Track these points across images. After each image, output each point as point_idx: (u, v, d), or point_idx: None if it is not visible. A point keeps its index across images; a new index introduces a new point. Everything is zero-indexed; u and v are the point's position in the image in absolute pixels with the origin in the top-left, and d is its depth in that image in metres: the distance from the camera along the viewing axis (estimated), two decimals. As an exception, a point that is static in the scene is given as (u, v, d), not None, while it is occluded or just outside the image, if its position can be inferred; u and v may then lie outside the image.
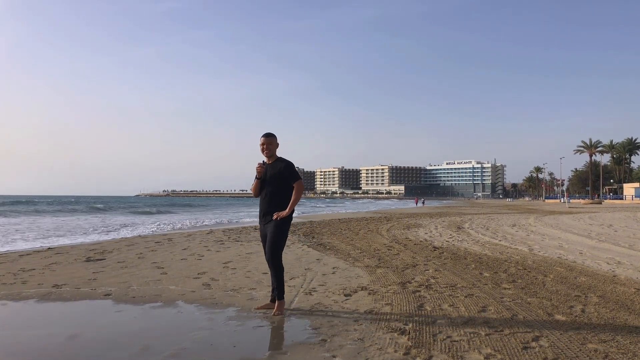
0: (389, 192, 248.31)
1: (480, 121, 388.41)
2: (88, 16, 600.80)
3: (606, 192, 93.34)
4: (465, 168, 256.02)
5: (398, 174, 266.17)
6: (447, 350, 3.43)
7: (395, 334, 3.82)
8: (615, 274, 6.66)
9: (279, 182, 4.64)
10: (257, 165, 4.72)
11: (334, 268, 7.30)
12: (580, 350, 3.41)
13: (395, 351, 3.42)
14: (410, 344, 3.57)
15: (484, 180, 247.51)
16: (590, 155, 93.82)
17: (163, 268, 7.32)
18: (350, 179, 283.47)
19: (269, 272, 4.75)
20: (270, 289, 5.28)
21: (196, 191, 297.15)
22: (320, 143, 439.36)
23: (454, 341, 3.63)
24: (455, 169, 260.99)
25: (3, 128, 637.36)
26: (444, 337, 3.72)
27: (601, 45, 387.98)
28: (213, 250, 9.62)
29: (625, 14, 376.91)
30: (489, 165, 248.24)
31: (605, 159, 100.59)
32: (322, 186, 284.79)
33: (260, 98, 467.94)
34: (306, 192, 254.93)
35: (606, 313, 4.47)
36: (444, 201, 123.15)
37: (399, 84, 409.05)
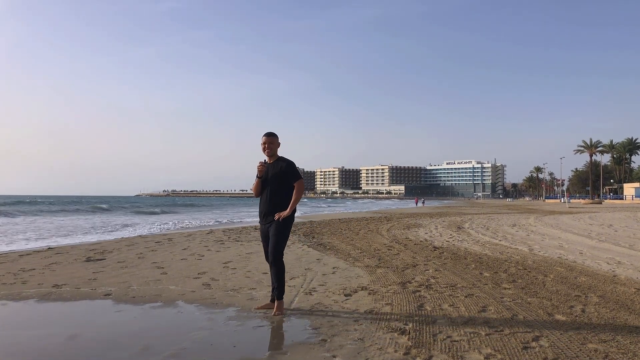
0: (389, 192, 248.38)
1: (480, 121, 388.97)
2: (88, 16, 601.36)
3: (606, 192, 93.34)
4: (465, 168, 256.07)
5: (398, 174, 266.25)
6: (447, 350, 3.42)
7: (396, 334, 3.82)
8: (616, 274, 6.66)
9: (280, 181, 4.63)
10: (258, 165, 4.72)
11: (334, 268, 7.30)
12: (580, 350, 3.41)
13: (396, 351, 3.42)
14: (410, 344, 3.57)
15: (484, 180, 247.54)
16: (591, 155, 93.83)
17: (163, 268, 7.32)
18: (350, 179, 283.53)
19: (269, 272, 4.74)
20: (270, 289, 5.27)
21: (196, 191, 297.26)
22: (320, 143, 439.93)
23: (454, 341, 3.63)
24: (455, 169, 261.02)
25: (3, 128, 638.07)
26: (444, 337, 3.72)
27: (601, 45, 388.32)
28: (213, 250, 9.62)
29: (625, 14, 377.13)
30: (489, 165, 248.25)
31: (605, 159, 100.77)
32: (322, 186, 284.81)
33: (260, 98, 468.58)
34: (306, 192, 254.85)
35: (606, 313, 4.47)
36: (444, 201, 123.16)
37: (399, 84, 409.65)
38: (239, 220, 24.93)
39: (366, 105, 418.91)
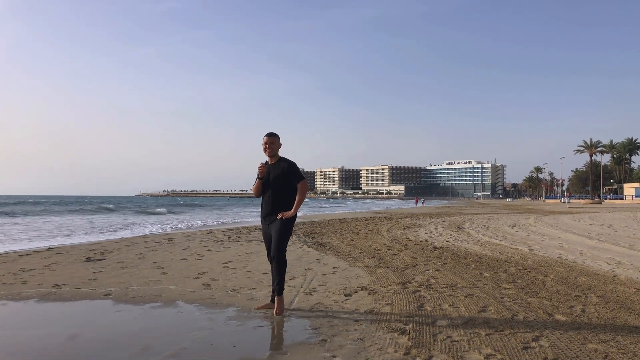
0: (389, 192, 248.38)
1: (480, 121, 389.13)
2: (88, 16, 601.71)
3: (606, 192, 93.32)
4: (465, 168, 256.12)
5: (398, 174, 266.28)
6: (447, 350, 3.42)
7: (396, 334, 3.82)
8: (616, 274, 6.66)
9: (282, 182, 4.61)
10: (258, 165, 4.69)
11: (334, 268, 7.30)
12: (580, 350, 3.41)
13: (396, 351, 3.42)
14: (410, 344, 3.57)
15: (484, 180, 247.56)
16: (591, 155, 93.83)
17: (163, 268, 7.32)
18: (350, 179, 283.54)
19: (269, 272, 4.75)
20: (270, 289, 5.28)
21: (196, 191, 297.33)
22: (320, 143, 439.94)
23: (454, 341, 3.63)
24: (455, 169, 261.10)
25: (3, 128, 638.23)
26: (444, 337, 3.72)
27: (601, 45, 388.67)
28: (213, 250, 9.62)
29: (626, 14, 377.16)
30: (489, 165, 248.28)
31: (605, 159, 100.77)
32: (322, 186, 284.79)
33: (260, 98, 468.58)
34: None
35: (606, 313, 4.47)
36: (444, 201, 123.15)
37: (399, 84, 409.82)
38: (240, 220, 24.93)
39: (366, 105, 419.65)
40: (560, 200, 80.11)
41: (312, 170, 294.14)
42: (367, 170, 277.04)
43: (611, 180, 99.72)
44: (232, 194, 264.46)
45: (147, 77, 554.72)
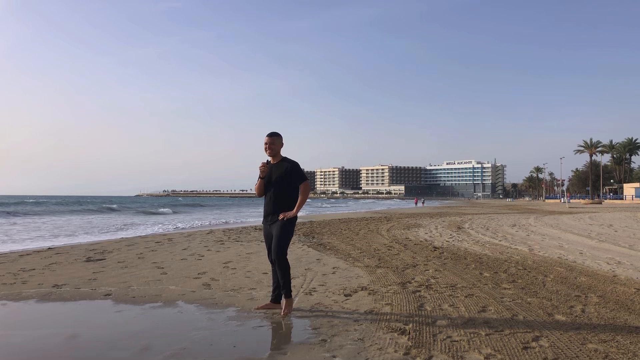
0: (389, 192, 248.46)
1: (480, 121, 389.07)
2: (88, 16, 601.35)
3: (606, 192, 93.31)
4: (465, 168, 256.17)
5: (398, 174, 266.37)
6: (447, 350, 3.42)
7: (396, 334, 3.82)
8: (616, 274, 6.66)
9: (285, 182, 4.59)
10: (260, 165, 4.68)
11: (334, 268, 7.30)
12: (580, 350, 3.41)
13: (396, 351, 3.42)
14: (410, 344, 3.57)
15: (484, 180, 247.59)
16: (590, 155, 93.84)
17: (163, 268, 7.32)
18: (350, 179, 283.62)
19: (270, 272, 4.74)
20: (270, 289, 5.27)
21: (196, 191, 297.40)
22: (320, 143, 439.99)
23: (454, 341, 3.63)
24: (455, 169, 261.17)
25: (3, 128, 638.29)
26: (444, 337, 3.72)
27: (601, 45, 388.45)
28: (213, 250, 9.62)
29: (626, 14, 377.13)
30: (489, 165, 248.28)
31: (605, 159, 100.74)
32: (322, 186, 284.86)
33: (260, 98, 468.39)
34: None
35: (606, 313, 4.47)
36: (444, 201, 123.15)
37: (399, 83, 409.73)
38: (240, 221, 24.94)
39: (366, 105, 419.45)
40: (560, 201, 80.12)
41: (312, 170, 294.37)
42: (367, 170, 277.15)
43: (611, 180, 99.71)
44: (232, 194, 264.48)
45: (147, 77, 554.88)
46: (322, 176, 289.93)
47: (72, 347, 3.66)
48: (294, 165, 4.64)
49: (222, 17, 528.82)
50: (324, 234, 13.69)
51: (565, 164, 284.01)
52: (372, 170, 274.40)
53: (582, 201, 73.04)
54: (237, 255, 8.93)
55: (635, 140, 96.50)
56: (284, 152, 4.76)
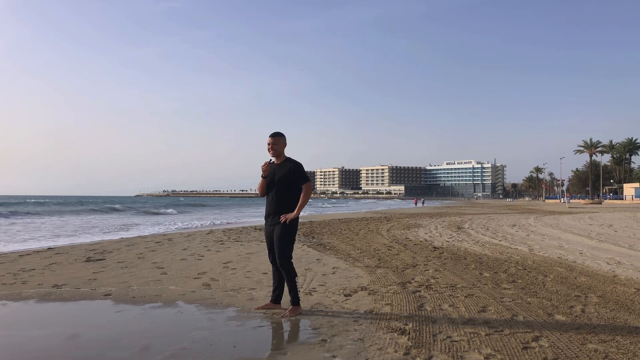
0: (389, 192, 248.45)
1: (480, 121, 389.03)
2: (88, 16, 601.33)
3: (606, 192, 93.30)
4: (465, 168, 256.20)
5: (398, 174, 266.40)
6: (447, 350, 3.43)
7: (395, 334, 3.82)
8: (616, 274, 6.66)
9: (287, 183, 4.57)
10: (262, 165, 4.66)
11: (334, 268, 7.30)
12: (580, 350, 3.41)
13: (395, 351, 3.42)
14: (410, 344, 3.57)
15: (484, 180, 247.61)
16: (590, 155, 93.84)
17: (163, 268, 7.32)
18: (350, 179, 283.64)
19: (270, 272, 4.74)
20: (270, 289, 5.27)
21: (196, 191, 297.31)
22: (320, 143, 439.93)
23: (454, 341, 3.63)
24: (455, 169, 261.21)
25: (3, 128, 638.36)
26: (444, 337, 3.72)
27: (601, 45, 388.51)
28: (213, 250, 9.62)
29: (626, 14, 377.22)
30: (489, 165, 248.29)
31: (605, 159, 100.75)
32: (322, 186, 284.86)
33: (260, 98, 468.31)
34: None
35: (606, 313, 4.47)
36: (444, 201, 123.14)
37: (399, 83, 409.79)
38: (239, 221, 24.94)
39: (366, 105, 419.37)
40: (560, 201, 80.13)
41: (312, 170, 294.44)
42: (367, 170, 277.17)
43: (611, 181, 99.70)
44: (233, 194, 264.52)
45: (147, 77, 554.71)
46: (322, 176, 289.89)
47: (72, 347, 3.66)
48: (297, 165, 4.62)
49: (222, 17, 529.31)
50: (324, 234, 13.69)
51: (565, 164, 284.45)
52: (372, 170, 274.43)
53: (582, 201, 73.04)
54: (237, 255, 8.93)
55: (635, 140, 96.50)
56: (287, 152, 4.77)
